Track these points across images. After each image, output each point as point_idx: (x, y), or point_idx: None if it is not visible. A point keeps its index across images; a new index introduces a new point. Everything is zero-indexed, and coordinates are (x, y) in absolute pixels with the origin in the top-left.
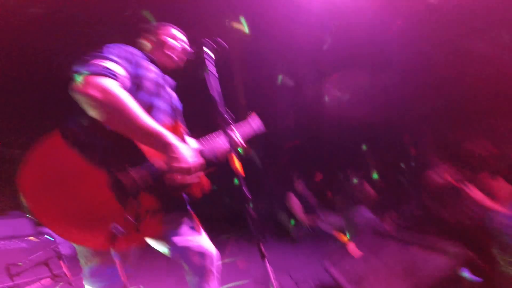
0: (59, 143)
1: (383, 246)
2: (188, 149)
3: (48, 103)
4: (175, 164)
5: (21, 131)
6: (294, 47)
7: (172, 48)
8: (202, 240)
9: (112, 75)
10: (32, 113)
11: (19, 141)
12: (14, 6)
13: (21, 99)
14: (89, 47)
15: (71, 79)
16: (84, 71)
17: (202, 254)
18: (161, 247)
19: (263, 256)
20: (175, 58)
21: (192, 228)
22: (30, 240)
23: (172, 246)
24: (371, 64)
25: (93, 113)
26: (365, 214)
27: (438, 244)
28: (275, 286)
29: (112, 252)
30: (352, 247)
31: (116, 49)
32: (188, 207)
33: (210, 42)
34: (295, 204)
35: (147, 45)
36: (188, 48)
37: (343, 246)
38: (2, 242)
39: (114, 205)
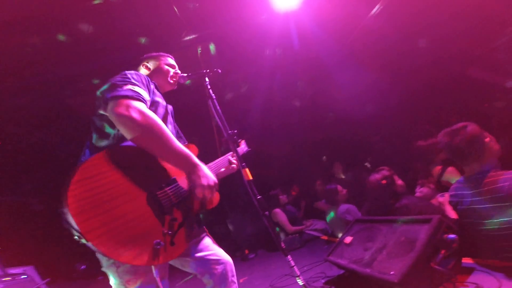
0: (105, 163)
1: (375, 231)
2: (208, 169)
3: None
4: (201, 182)
5: None
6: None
7: (171, 75)
8: (218, 251)
9: (143, 100)
10: None
11: None
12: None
13: None
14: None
15: (104, 102)
16: (118, 95)
17: (222, 263)
18: (182, 263)
19: (286, 253)
20: (174, 83)
21: (209, 241)
22: (6, 281)
23: (195, 260)
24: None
25: (129, 133)
26: (347, 209)
27: (419, 218)
28: (301, 278)
29: (153, 269)
30: (348, 240)
31: (135, 75)
32: (202, 223)
33: (209, 71)
34: (282, 217)
35: (145, 72)
36: (181, 74)
37: (337, 243)
38: None
39: (153, 221)
